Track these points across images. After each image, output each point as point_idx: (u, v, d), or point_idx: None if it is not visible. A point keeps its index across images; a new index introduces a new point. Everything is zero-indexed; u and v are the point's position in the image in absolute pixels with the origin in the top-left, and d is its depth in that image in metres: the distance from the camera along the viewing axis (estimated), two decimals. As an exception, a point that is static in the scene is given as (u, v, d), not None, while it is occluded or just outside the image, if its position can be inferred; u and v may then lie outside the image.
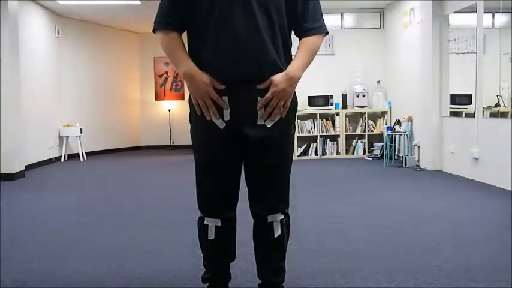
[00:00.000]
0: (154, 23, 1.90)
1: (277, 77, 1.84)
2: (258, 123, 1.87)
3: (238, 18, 1.79)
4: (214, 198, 1.99)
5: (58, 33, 8.65)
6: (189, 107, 1.99)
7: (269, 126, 1.88)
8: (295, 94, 1.97)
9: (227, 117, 1.87)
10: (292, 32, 1.96)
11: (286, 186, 2.02)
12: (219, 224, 1.99)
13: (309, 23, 1.90)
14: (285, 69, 1.88)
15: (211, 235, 2.00)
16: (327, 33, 1.95)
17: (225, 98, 1.85)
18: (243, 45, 1.79)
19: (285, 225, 2.03)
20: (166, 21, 1.88)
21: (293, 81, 1.86)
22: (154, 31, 1.92)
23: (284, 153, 1.99)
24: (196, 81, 1.83)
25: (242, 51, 1.80)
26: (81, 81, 9.22)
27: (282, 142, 1.95)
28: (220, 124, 1.88)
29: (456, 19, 6.29)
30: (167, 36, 1.88)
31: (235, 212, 2.05)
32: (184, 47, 1.90)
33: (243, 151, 1.95)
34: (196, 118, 1.92)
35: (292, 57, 1.94)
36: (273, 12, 1.83)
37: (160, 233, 3.50)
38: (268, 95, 1.83)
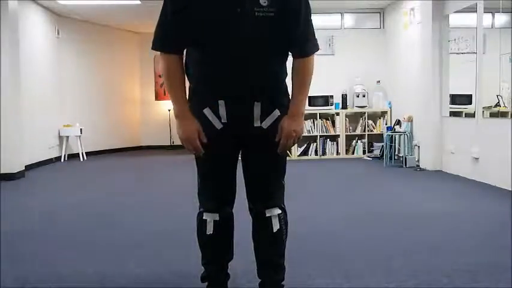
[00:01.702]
0: (154, 42, 1.89)
1: (285, 123, 1.93)
2: (255, 125, 1.95)
3: (236, 35, 1.83)
4: (213, 194, 2.05)
5: (58, 33, 8.65)
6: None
7: (265, 128, 1.96)
8: (289, 97, 2.04)
9: (224, 119, 1.94)
10: None
11: (282, 183, 2.08)
12: (218, 219, 2.04)
13: (302, 45, 1.94)
14: (280, 80, 1.98)
15: (209, 230, 2.04)
16: (318, 49, 2.01)
17: (222, 102, 1.92)
18: (240, 62, 1.85)
19: (283, 220, 2.08)
20: (166, 44, 1.88)
21: (299, 118, 1.97)
22: (154, 49, 1.91)
23: (281, 153, 2.04)
24: (184, 127, 1.92)
25: (240, 68, 1.86)
26: (81, 81, 9.21)
27: (278, 142, 1.99)
28: (217, 125, 1.94)
29: (456, 19, 6.29)
30: (167, 60, 1.89)
31: (232, 208, 2.11)
32: (183, 76, 1.92)
33: (240, 149, 2.04)
34: (196, 118, 1.96)
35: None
36: (270, 28, 1.86)
37: (160, 233, 3.50)
38: (283, 141, 1.94)
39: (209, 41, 1.85)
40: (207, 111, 1.94)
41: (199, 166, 2.07)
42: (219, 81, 1.89)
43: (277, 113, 1.97)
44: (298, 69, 1.96)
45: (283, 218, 2.07)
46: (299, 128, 1.96)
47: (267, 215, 2.04)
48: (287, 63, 2.02)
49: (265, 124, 1.96)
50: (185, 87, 1.94)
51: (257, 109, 1.93)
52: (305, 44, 1.94)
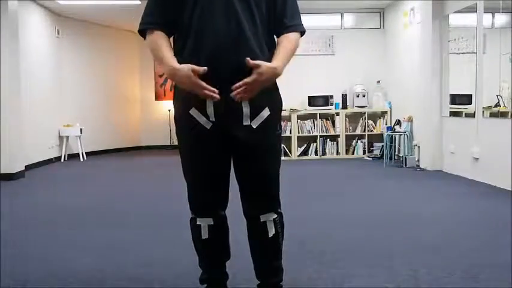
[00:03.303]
0: (141, 24, 1.91)
1: (264, 68, 1.80)
2: (244, 123, 1.88)
3: (220, 15, 1.80)
4: (205, 197, 1.99)
5: (58, 33, 8.65)
6: (173, 108, 1.99)
7: (255, 126, 1.89)
8: (279, 93, 2.00)
9: (212, 117, 1.87)
10: None
11: (276, 185, 2.03)
12: (212, 223, 2.00)
13: (288, 20, 1.92)
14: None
15: (204, 234, 2.01)
16: (304, 33, 1.97)
17: None
18: (225, 42, 1.80)
19: (279, 223, 2.03)
20: (149, 21, 1.90)
21: (276, 76, 1.86)
22: (140, 32, 1.92)
23: (272, 153, 1.99)
24: (179, 77, 1.82)
25: (224, 48, 1.80)
26: (81, 81, 9.21)
27: (269, 142, 1.96)
28: (206, 124, 1.88)
29: (456, 19, 6.29)
30: (151, 36, 1.89)
31: (225, 210, 2.06)
32: (168, 44, 1.89)
33: (231, 151, 1.95)
34: (182, 119, 1.93)
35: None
36: (254, 8, 1.84)
37: (160, 233, 3.50)
38: (249, 80, 1.78)
39: (193, 17, 1.82)
40: (193, 112, 1.88)
41: (187, 170, 1.99)
42: (205, 62, 1.80)
43: (266, 112, 1.91)
44: (285, 40, 1.90)
45: (279, 222, 2.03)
46: (269, 83, 1.84)
47: (262, 220, 1.99)
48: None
49: (255, 123, 1.89)
50: (170, 49, 1.89)
51: (246, 107, 1.86)
52: (294, 20, 1.92)
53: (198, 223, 2.01)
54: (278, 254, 2.09)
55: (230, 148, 1.94)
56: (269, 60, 1.87)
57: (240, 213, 2.10)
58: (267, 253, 2.07)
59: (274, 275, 2.10)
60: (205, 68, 1.78)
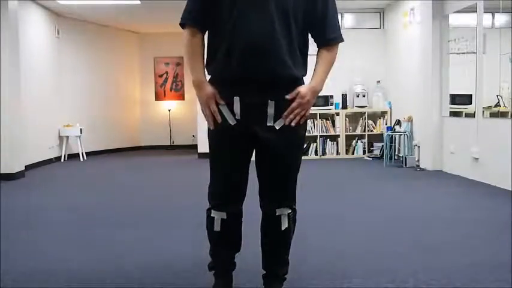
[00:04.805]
0: (182, 18, 1.97)
1: (304, 89, 1.95)
2: (268, 124, 1.96)
3: (255, 21, 1.86)
4: (221, 192, 2.07)
5: (58, 33, 8.65)
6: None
7: (277, 128, 1.97)
8: None
9: (238, 116, 1.96)
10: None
11: (294, 183, 2.11)
12: (225, 218, 2.07)
13: (329, 32, 2.00)
14: (299, 73, 1.97)
15: (217, 227, 2.08)
16: (342, 41, 2.06)
17: (237, 98, 1.94)
18: (257, 48, 1.86)
19: (292, 219, 2.13)
20: (193, 17, 1.95)
21: (316, 93, 1.99)
22: (181, 25, 1.98)
23: (292, 154, 2.07)
24: (201, 92, 1.96)
25: (256, 54, 1.87)
26: (81, 81, 9.21)
27: (290, 143, 2.03)
28: (231, 120, 1.96)
29: (456, 19, 6.29)
30: (192, 38, 1.96)
31: (241, 206, 2.12)
32: (203, 53, 1.98)
33: (253, 149, 2.05)
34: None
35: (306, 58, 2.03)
36: (291, 16, 1.90)
37: (160, 233, 3.50)
38: (294, 105, 1.94)
39: (230, 15, 1.87)
40: (223, 107, 1.96)
41: (213, 161, 2.08)
42: (237, 62, 1.88)
43: None
44: (324, 55, 2.00)
45: (292, 217, 2.12)
46: (313, 101, 1.97)
47: (277, 214, 2.08)
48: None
49: (278, 124, 1.96)
50: (203, 59, 1.98)
51: (271, 108, 1.94)
52: (334, 32, 2.01)
53: (212, 215, 2.09)
54: (287, 248, 2.18)
55: (252, 146, 2.03)
56: (301, 70, 1.98)
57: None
58: (278, 246, 2.16)
59: (280, 267, 2.19)
60: (223, 103, 1.94)
